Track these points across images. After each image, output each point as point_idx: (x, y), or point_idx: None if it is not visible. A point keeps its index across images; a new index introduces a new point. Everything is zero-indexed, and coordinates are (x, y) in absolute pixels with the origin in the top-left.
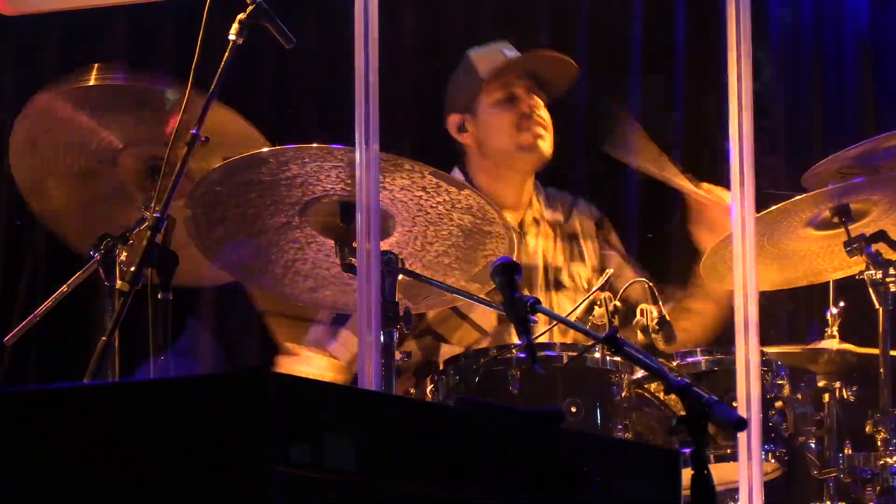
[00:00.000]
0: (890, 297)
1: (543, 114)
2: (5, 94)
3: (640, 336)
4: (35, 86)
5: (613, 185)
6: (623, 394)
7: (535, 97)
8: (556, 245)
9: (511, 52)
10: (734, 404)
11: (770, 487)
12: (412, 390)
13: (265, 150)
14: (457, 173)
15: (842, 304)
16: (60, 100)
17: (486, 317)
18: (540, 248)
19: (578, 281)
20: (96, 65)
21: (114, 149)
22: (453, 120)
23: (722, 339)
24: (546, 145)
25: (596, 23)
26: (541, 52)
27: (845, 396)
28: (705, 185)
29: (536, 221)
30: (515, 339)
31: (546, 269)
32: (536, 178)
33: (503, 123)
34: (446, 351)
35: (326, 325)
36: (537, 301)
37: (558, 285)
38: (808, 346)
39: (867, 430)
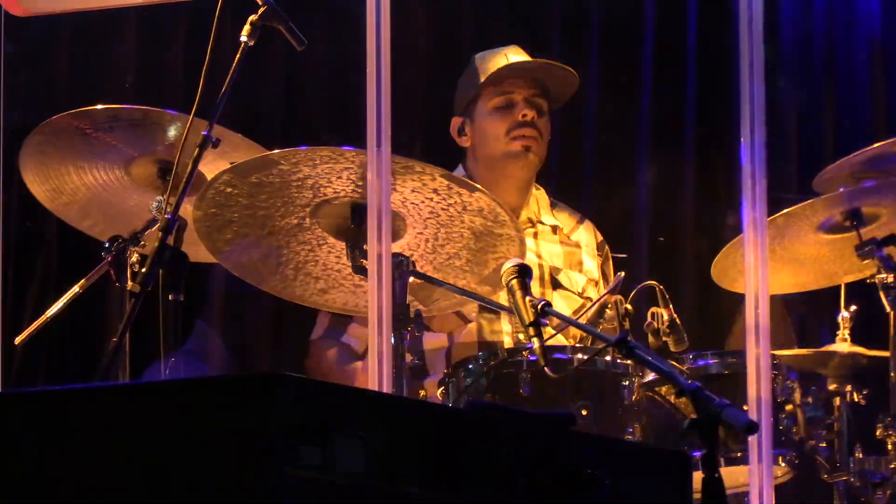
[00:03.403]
0: None
1: (540, 122)
2: (16, 94)
3: (650, 339)
4: (45, 87)
5: (624, 191)
6: (634, 397)
7: (535, 104)
8: (556, 248)
9: (517, 58)
10: (745, 407)
11: (780, 491)
12: (422, 392)
13: (276, 151)
14: (460, 171)
15: (853, 307)
16: (67, 118)
17: (471, 304)
18: (536, 247)
19: (575, 287)
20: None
21: (125, 156)
22: (455, 122)
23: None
24: (536, 153)
25: (607, 26)
26: (542, 61)
27: (856, 400)
28: None
29: (532, 221)
30: (502, 327)
31: (541, 267)
32: (548, 191)
33: (496, 130)
34: (430, 340)
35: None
36: (548, 304)
37: (556, 284)
38: (819, 350)
39: (878, 433)
